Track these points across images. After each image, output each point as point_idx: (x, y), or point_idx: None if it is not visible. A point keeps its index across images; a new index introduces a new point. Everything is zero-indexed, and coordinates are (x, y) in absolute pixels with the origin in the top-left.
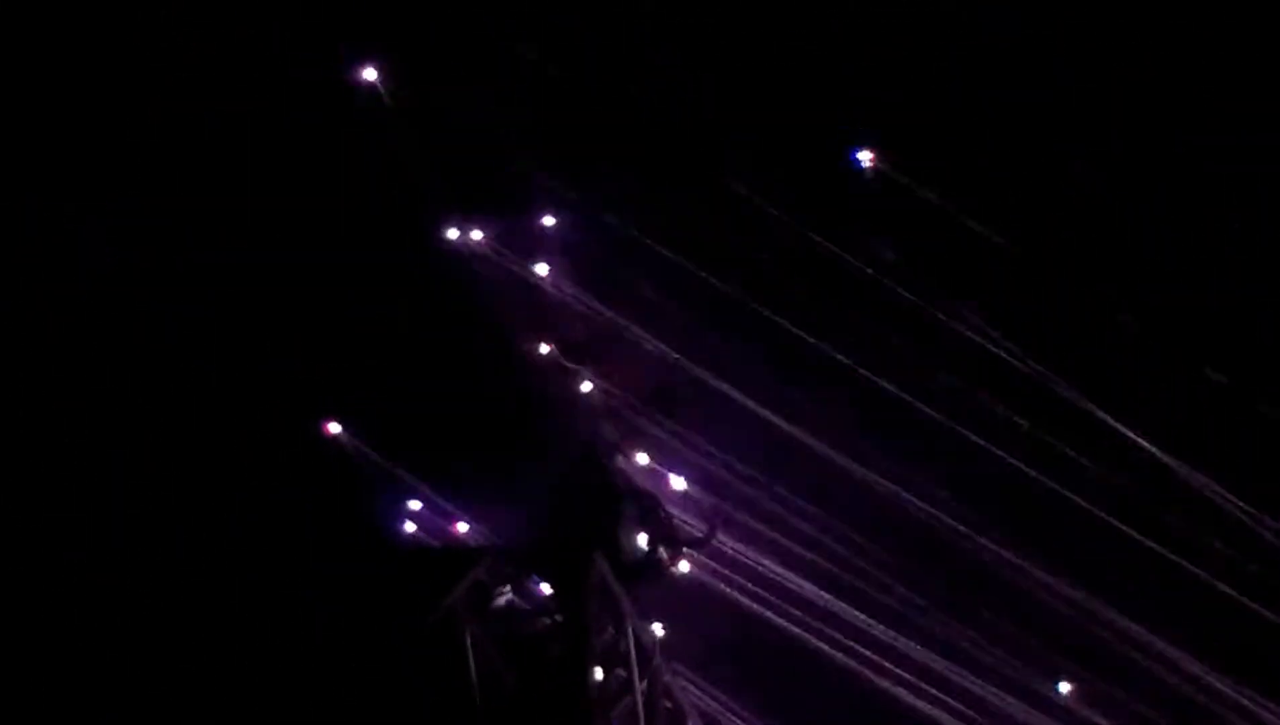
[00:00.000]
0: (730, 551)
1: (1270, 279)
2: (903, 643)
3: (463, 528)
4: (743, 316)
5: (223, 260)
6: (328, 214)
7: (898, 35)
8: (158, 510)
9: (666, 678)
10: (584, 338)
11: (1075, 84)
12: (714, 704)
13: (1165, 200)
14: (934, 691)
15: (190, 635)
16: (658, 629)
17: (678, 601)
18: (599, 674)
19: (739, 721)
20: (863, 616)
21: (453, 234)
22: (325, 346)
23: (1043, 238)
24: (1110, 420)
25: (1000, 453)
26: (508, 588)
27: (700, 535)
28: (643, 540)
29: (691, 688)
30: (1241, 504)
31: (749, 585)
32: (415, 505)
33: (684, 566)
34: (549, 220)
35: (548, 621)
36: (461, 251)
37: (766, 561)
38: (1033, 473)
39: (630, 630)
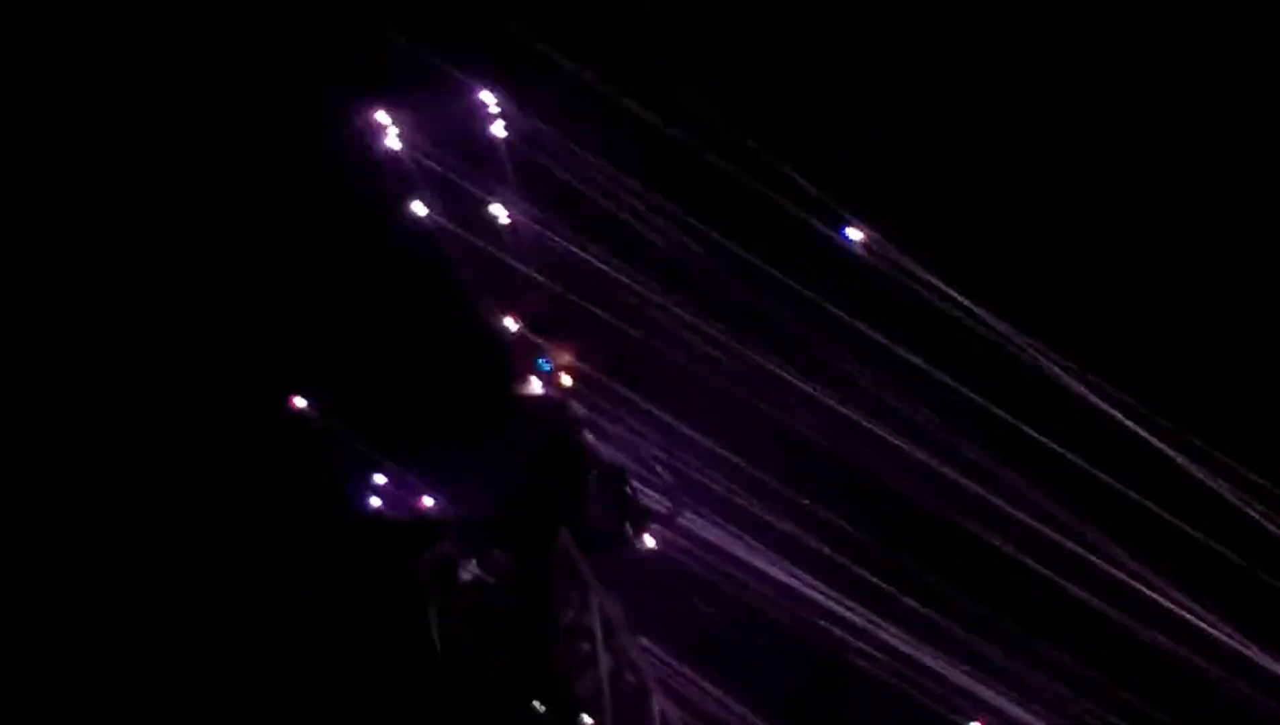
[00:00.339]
0: (696, 526)
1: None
2: (869, 617)
3: (428, 502)
4: (708, 285)
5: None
6: (314, 211)
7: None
8: (147, 500)
9: (630, 651)
10: (548, 310)
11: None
12: (679, 678)
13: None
14: (900, 667)
15: (153, 606)
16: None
17: (643, 576)
18: (564, 647)
19: (703, 695)
20: (828, 591)
21: (419, 210)
22: (291, 322)
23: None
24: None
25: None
26: (473, 561)
27: (665, 510)
28: (607, 514)
29: (656, 661)
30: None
31: (714, 561)
32: (380, 479)
33: (649, 541)
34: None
35: (513, 595)
36: (427, 226)
37: (732, 536)
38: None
39: (594, 604)
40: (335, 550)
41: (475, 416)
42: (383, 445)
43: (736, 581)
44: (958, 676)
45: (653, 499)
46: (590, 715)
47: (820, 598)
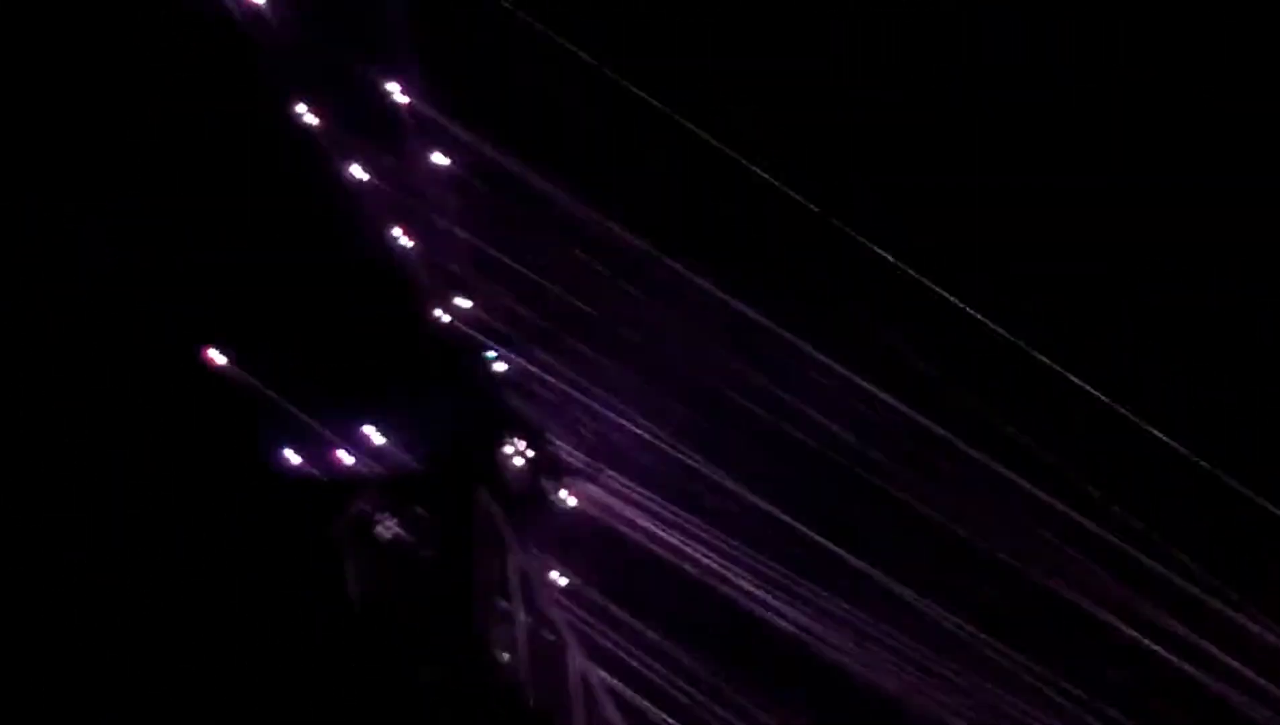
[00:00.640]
0: (617, 484)
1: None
2: (794, 578)
3: (346, 458)
4: (630, 252)
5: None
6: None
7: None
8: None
9: (549, 609)
10: (467, 267)
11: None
12: (601, 637)
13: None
14: (824, 627)
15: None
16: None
17: (563, 533)
18: (483, 605)
19: (623, 654)
20: (749, 550)
21: (357, 173)
22: (208, 276)
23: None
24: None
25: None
26: (391, 518)
27: (584, 467)
28: (526, 470)
29: (574, 618)
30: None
31: (635, 518)
32: (298, 435)
33: (570, 499)
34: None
35: (431, 552)
36: (352, 184)
37: (653, 494)
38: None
39: (513, 561)
40: (252, 508)
41: (395, 373)
42: (301, 401)
43: (659, 539)
44: (866, 626)
45: (575, 458)
46: (507, 673)
47: (744, 556)
